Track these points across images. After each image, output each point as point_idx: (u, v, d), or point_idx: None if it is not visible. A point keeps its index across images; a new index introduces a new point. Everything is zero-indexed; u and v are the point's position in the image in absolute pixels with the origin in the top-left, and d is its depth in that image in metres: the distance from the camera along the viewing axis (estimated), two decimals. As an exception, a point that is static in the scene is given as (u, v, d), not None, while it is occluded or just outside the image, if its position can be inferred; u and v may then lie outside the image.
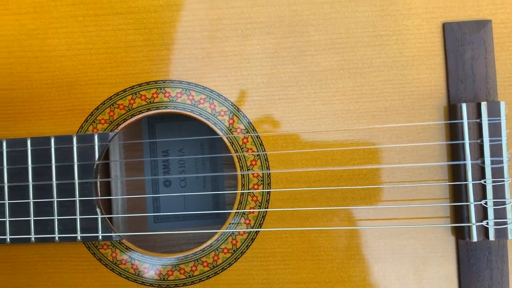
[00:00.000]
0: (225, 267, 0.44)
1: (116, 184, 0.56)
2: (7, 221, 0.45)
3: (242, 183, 0.44)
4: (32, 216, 0.44)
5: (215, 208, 0.60)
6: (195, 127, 0.59)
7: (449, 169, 0.43)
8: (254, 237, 0.44)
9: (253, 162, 0.44)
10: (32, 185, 0.44)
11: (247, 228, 0.44)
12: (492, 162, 0.41)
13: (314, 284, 0.44)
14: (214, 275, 0.45)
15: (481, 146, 0.41)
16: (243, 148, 0.44)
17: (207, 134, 0.56)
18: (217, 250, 0.44)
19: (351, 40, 0.43)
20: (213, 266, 0.44)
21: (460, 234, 0.42)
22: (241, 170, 0.44)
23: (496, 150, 0.41)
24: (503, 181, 0.41)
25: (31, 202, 0.44)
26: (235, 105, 0.44)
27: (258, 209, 0.44)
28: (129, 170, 0.59)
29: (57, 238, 0.44)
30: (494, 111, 0.41)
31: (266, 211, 0.44)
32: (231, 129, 0.44)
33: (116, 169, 0.56)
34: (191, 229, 0.59)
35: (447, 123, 0.43)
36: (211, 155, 0.60)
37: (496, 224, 0.41)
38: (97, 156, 0.44)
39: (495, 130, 0.41)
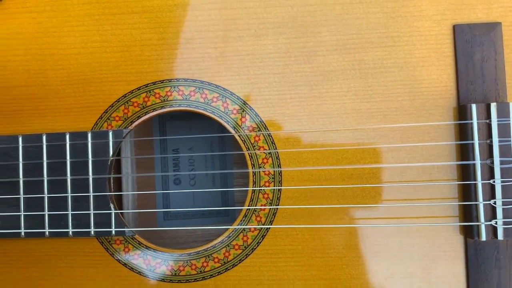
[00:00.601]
0: (236, 263, 0.45)
1: (127, 180, 0.57)
2: (22, 215, 0.45)
3: (253, 180, 0.45)
4: (47, 211, 0.45)
5: (224, 206, 0.61)
6: (206, 126, 0.59)
7: (458, 169, 0.44)
8: (264, 234, 0.45)
9: (265, 160, 0.45)
10: (47, 180, 0.45)
11: (258, 225, 0.45)
12: (501, 163, 0.42)
13: (324, 281, 0.44)
14: (225, 271, 0.45)
15: (490, 147, 0.42)
16: (255, 146, 0.45)
17: (217, 133, 0.57)
18: (228, 246, 0.45)
19: (362, 41, 0.44)
20: (224, 262, 0.45)
21: (469, 233, 0.43)
22: (252, 167, 0.45)
23: (505, 151, 0.42)
24: (512, 181, 0.42)
25: (46, 197, 0.45)
26: (247, 104, 0.45)
27: (269, 206, 0.45)
28: (139, 167, 0.60)
29: (71, 233, 0.45)
30: (503, 112, 0.42)
31: (277, 208, 0.45)
32: (243, 128, 0.45)
33: (127, 166, 0.57)
34: (200, 226, 0.60)
35: (457, 124, 0.44)
36: (221, 152, 0.61)
37: (504, 223, 0.42)
38: (111, 153, 0.45)
39: (504, 130, 0.42)
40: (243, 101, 0.45)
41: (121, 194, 0.56)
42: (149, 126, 0.61)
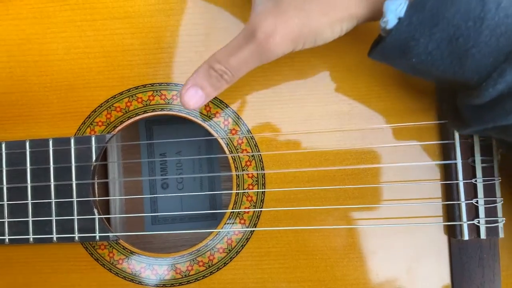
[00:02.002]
0: (221, 267, 0.45)
1: (114, 185, 0.57)
2: (6, 222, 0.45)
3: (237, 183, 0.45)
4: (31, 217, 0.45)
5: (212, 210, 0.61)
6: (192, 130, 0.59)
7: (441, 169, 0.44)
8: (249, 236, 0.45)
9: (248, 163, 0.45)
10: (31, 186, 0.45)
11: (242, 228, 0.45)
12: (483, 161, 0.42)
13: (308, 283, 0.44)
14: (210, 275, 0.45)
15: (471, 145, 0.42)
16: (238, 149, 0.45)
17: (204, 137, 0.57)
18: (213, 249, 0.45)
19: (344, 43, 0.44)
20: (209, 265, 0.45)
21: (452, 232, 0.43)
22: (236, 170, 0.45)
23: (487, 149, 0.42)
24: (494, 180, 0.42)
25: (30, 203, 0.45)
26: (230, 107, 0.45)
27: (253, 209, 0.45)
28: (127, 172, 0.60)
29: (55, 239, 0.45)
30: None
31: (261, 211, 0.45)
32: (226, 131, 0.45)
33: (114, 171, 0.57)
34: (187, 230, 0.60)
35: (438, 124, 0.44)
36: (208, 156, 0.61)
37: (487, 222, 0.42)
38: (94, 158, 0.45)
39: (485, 129, 0.42)
40: (226, 104, 0.45)
41: (107, 199, 0.56)
42: (136, 130, 0.61)
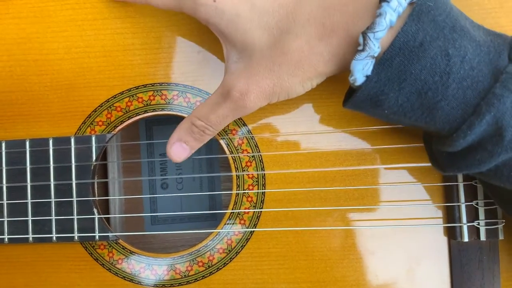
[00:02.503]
0: (220, 267, 0.45)
1: (114, 185, 0.57)
2: (5, 221, 0.45)
3: (237, 184, 0.45)
4: (30, 216, 0.45)
5: (212, 210, 0.61)
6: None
7: (441, 170, 0.44)
8: (249, 237, 0.45)
9: (248, 163, 0.45)
10: (30, 185, 0.45)
11: (242, 228, 0.45)
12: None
13: (308, 284, 0.44)
14: (209, 275, 0.45)
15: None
16: (238, 149, 0.45)
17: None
18: (212, 250, 0.45)
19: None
20: (208, 266, 0.45)
21: (452, 234, 0.43)
22: (236, 171, 0.45)
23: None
24: (494, 182, 0.42)
25: (29, 202, 0.45)
26: (230, 107, 0.45)
27: (253, 209, 0.45)
28: (126, 172, 0.60)
29: (54, 238, 0.45)
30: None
31: (261, 211, 0.45)
32: (226, 131, 0.45)
33: (114, 171, 0.57)
34: (187, 230, 0.60)
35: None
36: (207, 156, 0.61)
37: (487, 224, 0.42)
38: (94, 157, 0.45)
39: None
40: (226, 104, 0.45)
41: (107, 198, 0.56)
42: (136, 130, 0.61)
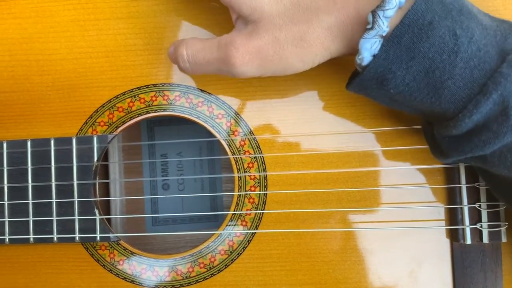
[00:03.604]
0: (222, 269, 0.45)
1: (115, 186, 0.57)
2: (6, 221, 0.45)
3: (239, 185, 0.45)
4: (31, 217, 0.45)
5: (213, 211, 0.61)
6: (194, 131, 0.59)
7: (443, 172, 0.44)
8: (250, 238, 0.45)
9: (250, 165, 0.45)
10: (32, 186, 0.45)
11: (244, 230, 0.45)
12: (486, 165, 0.42)
13: (310, 286, 0.44)
14: (211, 277, 0.45)
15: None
16: (240, 150, 0.45)
17: (206, 138, 0.57)
18: (214, 251, 0.45)
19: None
20: (210, 267, 0.45)
21: (455, 236, 0.43)
22: (238, 172, 0.45)
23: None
24: (497, 184, 0.42)
25: (30, 203, 0.45)
26: (232, 108, 0.45)
27: (254, 211, 0.45)
28: (128, 173, 0.60)
29: (55, 239, 0.45)
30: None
31: (263, 212, 0.45)
32: (228, 132, 0.45)
33: (115, 172, 0.57)
34: (188, 231, 0.60)
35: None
36: (209, 157, 0.61)
37: (489, 226, 0.42)
38: (96, 158, 0.45)
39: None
40: (228, 105, 0.45)
41: (108, 199, 0.56)
42: (137, 131, 0.61)
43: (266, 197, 0.45)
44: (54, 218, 0.45)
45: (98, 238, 0.44)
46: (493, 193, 0.41)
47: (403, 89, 0.34)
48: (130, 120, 0.45)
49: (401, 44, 0.32)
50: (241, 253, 0.45)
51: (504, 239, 0.42)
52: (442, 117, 0.35)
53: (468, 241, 0.42)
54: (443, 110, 0.34)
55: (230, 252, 0.45)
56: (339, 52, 0.36)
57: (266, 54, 0.36)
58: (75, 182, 0.44)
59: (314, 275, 0.44)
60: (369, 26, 0.32)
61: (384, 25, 0.32)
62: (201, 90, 0.45)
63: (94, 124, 0.46)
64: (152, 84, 0.45)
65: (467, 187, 0.42)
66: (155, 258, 0.45)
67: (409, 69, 0.33)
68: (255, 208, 0.45)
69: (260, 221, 0.45)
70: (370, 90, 0.36)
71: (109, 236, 0.45)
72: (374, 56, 0.33)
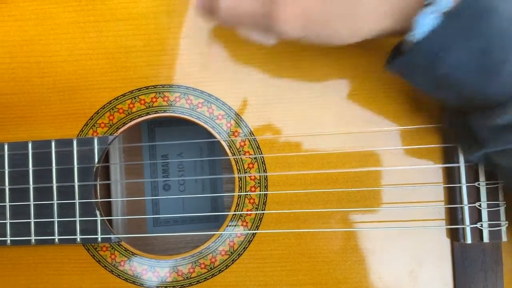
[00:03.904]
0: (223, 269, 0.45)
1: (116, 187, 0.57)
2: (8, 223, 0.45)
3: (239, 185, 0.45)
4: (33, 218, 0.45)
5: (214, 212, 0.61)
6: (195, 132, 0.59)
7: (443, 172, 0.44)
8: (251, 239, 0.45)
9: (250, 165, 0.45)
10: (33, 187, 0.45)
11: (244, 230, 0.45)
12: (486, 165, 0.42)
13: (310, 286, 0.44)
14: (212, 277, 0.45)
15: (474, 149, 0.42)
16: (240, 151, 0.45)
17: (206, 138, 0.57)
18: (215, 252, 0.45)
19: (348, 47, 0.44)
20: (211, 268, 0.45)
21: (455, 236, 0.43)
22: (238, 173, 0.45)
23: (489, 153, 0.42)
24: (497, 183, 0.42)
25: (32, 204, 0.45)
26: (232, 109, 0.45)
27: (255, 211, 0.45)
28: (129, 174, 0.60)
29: (57, 240, 0.45)
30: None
31: (263, 213, 0.45)
32: (228, 133, 0.45)
33: (116, 173, 0.57)
34: (189, 232, 0.60)
35: (440, 126, 0.44)
36: (209, 158, 0.61)
37: (490, 226, 0.42)
38: (96, 159, 0.45)
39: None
40: (229, 106, 0.45)
41: (109, 200, 0.56)
42: (138, 132, 0.61)
43: (266, 197, 0.45)
44: (55, 219, 0.45)
45: (99, 239, 0.45)
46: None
47: (452, 70, 0.32)
48: (130, 121, 0.46)
49: (461, 20, 0.30)
50: (241, 254, 0.45)
51: (504, 239, 0.42)
52: (480, 105, 0.34)
53: (469, 241, 0.42)
54: (485, 97, 0.33)
55: (231, 252, 0.45)
56: (390, 29, 0.34)
57: (312, 15, 0.33)
58: (76, 184, 0.45)
59: (315, 275, 0.44)
60: (428, 2, 0.31)
61: (444, 1, 0.30)
62: (201, 91, 0.45)
63: (94, 126, 0.46)
64: (152, 86, 0.45)
65: (467, 186, 0.42)
66: (156, 258, 0.46)
67: (465, 49, 0.31)
68: (256, 208, 0.45)
69: (260, 221, 0.45)
70: (416, 70, 0.34)
71: (110, 237, 0.45)
72: (430, 31, 0.31)
